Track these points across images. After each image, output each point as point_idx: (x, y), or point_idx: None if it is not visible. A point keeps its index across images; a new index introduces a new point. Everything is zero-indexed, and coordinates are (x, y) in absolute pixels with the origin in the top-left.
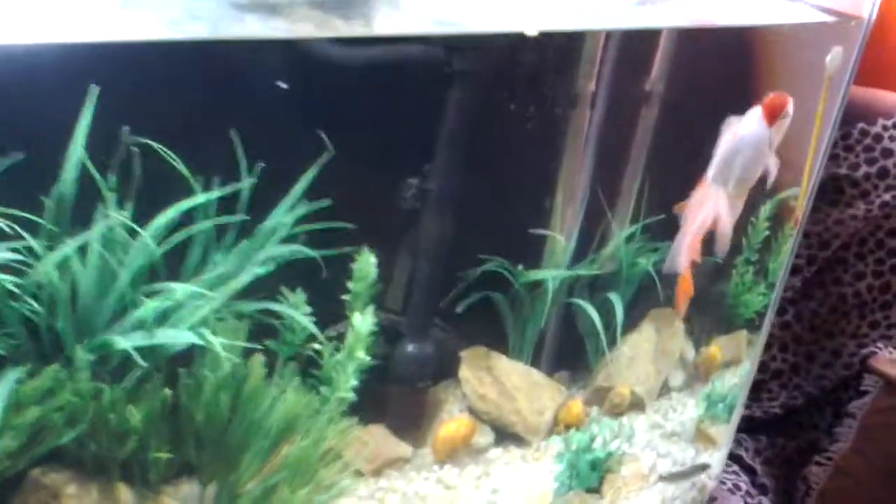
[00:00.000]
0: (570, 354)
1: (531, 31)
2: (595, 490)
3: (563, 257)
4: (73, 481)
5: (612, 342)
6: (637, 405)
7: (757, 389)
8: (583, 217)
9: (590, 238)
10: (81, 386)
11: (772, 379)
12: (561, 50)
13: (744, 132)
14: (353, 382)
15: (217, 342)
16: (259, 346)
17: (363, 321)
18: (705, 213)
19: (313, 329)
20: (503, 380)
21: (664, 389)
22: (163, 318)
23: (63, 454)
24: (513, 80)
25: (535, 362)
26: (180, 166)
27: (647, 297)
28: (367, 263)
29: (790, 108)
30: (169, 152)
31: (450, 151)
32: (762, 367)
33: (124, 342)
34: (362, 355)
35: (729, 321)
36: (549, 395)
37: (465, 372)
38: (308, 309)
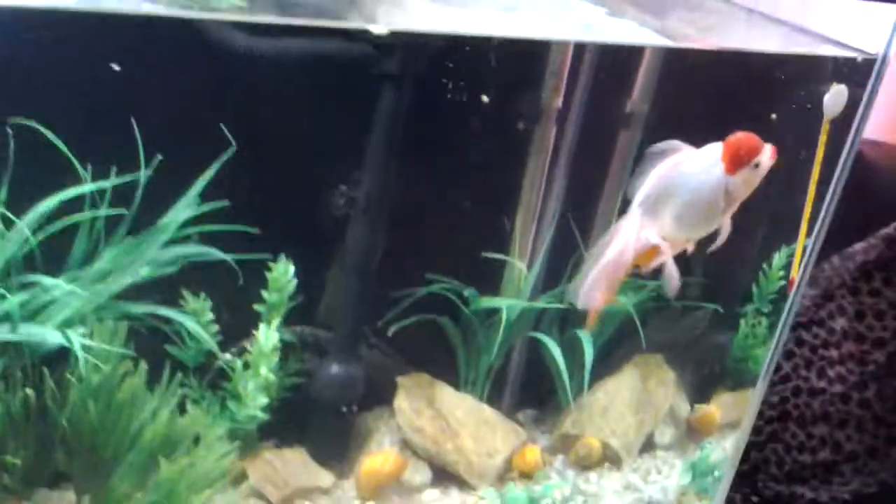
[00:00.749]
0: (536, 393)
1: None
2: None
3: (523, 286)
4: None
5: (582, 385)
6: (612, 460)
7: (828, 471)
8: (550, 244)
9: (558, 268)
10: None
11: (845, 461)
12: (520, 59)
13: (688, 169)
14: (263, 400)
15: (78, 343)
16: (132, 352)
17: (267, 335)
18: (622, 243)
19: (206, 339)
20: (446, 413)
21: (648, 446)
22: (34, 313)
23: None
24: (462, 85)
25: (491, 398)
26: (65, 151)
27: (630, 339)
28: (284, 273)
29: (766, 157)
30: (53, 135)
31: (381, 157)
32: (835, 447)
33: None
34: (265, 372)
35: (734, 376)
36: (502, 437)
37: (401, 401)
38: (210, 316)
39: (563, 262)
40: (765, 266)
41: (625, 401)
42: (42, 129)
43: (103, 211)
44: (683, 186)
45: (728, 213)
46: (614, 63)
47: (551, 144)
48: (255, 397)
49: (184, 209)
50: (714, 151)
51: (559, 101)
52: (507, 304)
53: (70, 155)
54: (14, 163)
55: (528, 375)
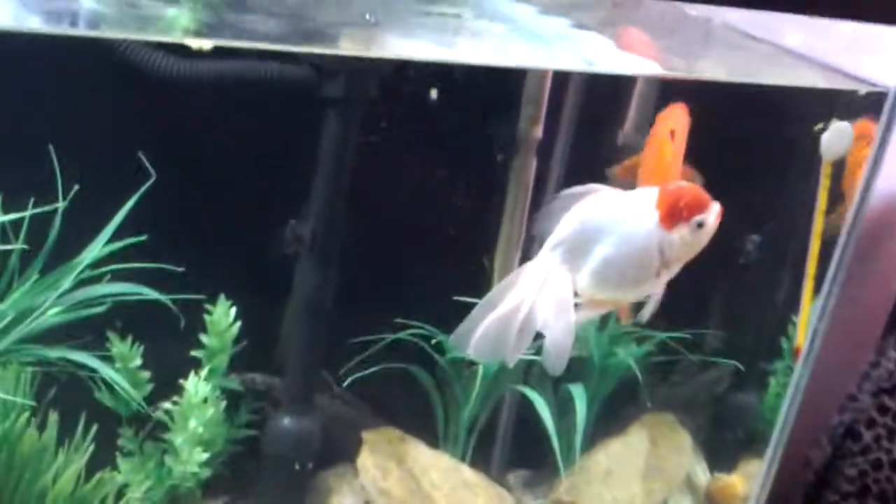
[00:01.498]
0: (529, 453)
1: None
2: None
3: None
4: None
5: (580, 446)
6: None
7: None
8: None
9: None
10: None
11: None
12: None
13: (616, 214)
14: (201, 456)
15: None
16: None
17: (196, 386)
18: (525, 293)
19: (124, 386)
20: (418, 474)
21: None
22: None
23: None
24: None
25: (476, 457)
26: None
27: (637, 396)
28: (224, 315)
29: (711, 216)
30: None
31: (333, 189)
32: None
33: None
34: (194, 426)
35: (764, 442)
36: (484, 501)
37: (365, 458)
38: (138, 362)
39: None
40: (793, 317)
41: (631, 465)
42: None
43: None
44: (609, 234)
45: (664, 278)
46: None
47: (530, 175)
48: (190, 452)
49: (101, 245)
50: (648, 197)
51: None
52: None
53: None
54: None
55: (519, 432)
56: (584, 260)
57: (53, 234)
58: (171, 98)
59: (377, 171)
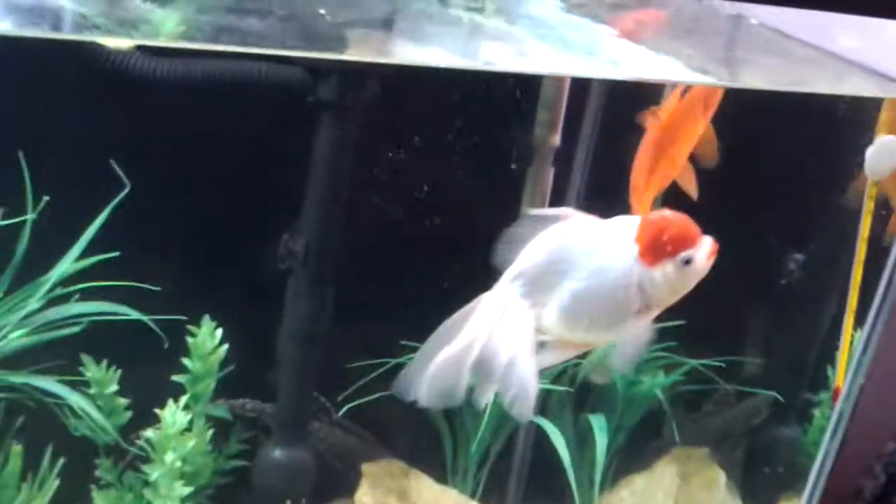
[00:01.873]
0: (548, 487)
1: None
2: None
3: None
4: None
5: (601, 481)
6: None
7: None
8: None
9: None
10: None
11: None
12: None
13: (588, 244)
14: (181, 490)
15: None
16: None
17: (173, 414)
18: (479, 329)
19: (93, 415)
20: None
21: None
22: None
23: None
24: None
25: (487, 493)
26: None
27: (665, 428)
28: (209, 336)
29: (702, 253)
30: None
31: (328, 201)
32: None
33: None
34: (170, 459)
35: (805, 478)
36: None
37: (364, 494)
38: (114, 388)
39: None
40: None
41: (657, 503)
42: None
43: None
44: (579, 267)
45: (645, 319)
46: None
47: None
48: (169, 486)
49: (72, 260)
50: (627, 227)
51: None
52: None
53: None
54: None
55: (535, 465)
56: (550, 295)
57: (22, 247)
58: (151, 103)
59: (379, 181)
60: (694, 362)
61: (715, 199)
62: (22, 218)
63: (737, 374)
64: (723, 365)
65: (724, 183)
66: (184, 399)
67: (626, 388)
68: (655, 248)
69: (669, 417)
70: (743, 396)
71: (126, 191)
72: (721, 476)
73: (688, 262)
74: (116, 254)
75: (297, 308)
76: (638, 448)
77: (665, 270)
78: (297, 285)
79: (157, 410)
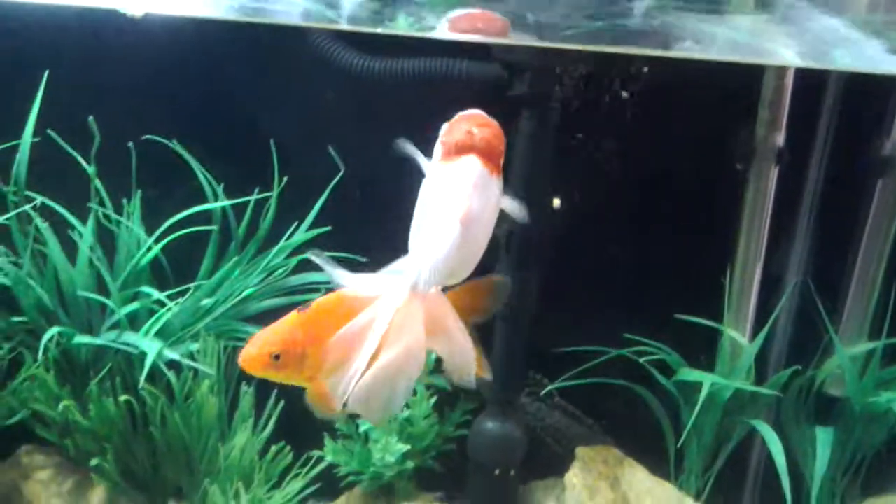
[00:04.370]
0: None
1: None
2: None
3: (740, 361)
4: (49, 468)
5: (817, 496)
6: None
7: None
8: (790, 315)
9: (801, 346)
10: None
11: None
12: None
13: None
14: (398, 447)
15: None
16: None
17: None
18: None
19: None
20: (631, 500)
21: None
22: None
23: (53, 444)
24: None
25: (713, 497)
26: (196, 167)
27: None
28: None
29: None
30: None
31: (532, 191)
32: None
33: (81, 338)
34: None
35: None
36: None
37: (574, 476)
38: None
39: (804, 338)
40: None
41: None
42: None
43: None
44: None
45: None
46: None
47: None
48: (385, 440)
49: (304, 230)
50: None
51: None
52: (711, 379)
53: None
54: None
55: (769, 476)
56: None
57: (268, 219)
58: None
59: (600, 176)
60: None
61: None
62: (267, 194)
63: None
64: None
65: None
66: None
67: (862, 400)
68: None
69: None
70: None
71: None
72: None
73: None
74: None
75: (513, 290)
76: (883, 468)
77: None
78: (501, 269)
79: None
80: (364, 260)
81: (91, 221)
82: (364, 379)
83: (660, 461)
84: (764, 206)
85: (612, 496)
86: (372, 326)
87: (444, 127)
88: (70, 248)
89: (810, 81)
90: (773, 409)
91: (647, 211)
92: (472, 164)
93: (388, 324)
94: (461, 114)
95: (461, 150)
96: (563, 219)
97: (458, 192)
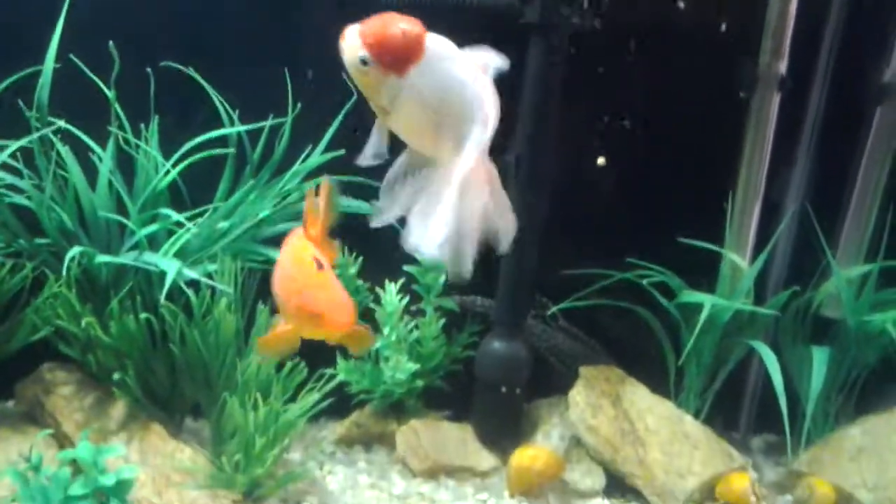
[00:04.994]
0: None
1: None
2: None
3: (741, 283)
4: (71, 384)
5: (811, 413)
6: None
7: None
8: (789, 239)
9: (799, 269)
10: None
11: None
12: None
13: None
14: (409, 366)
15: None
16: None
17: (389, 292)
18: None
19: None
20: (632, 417)
21: None
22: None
23: (75, 361)
24: None
25: (716, 415)
26: (213, 95)
27: None
28: None
29: None
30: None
31: (540, 117)
32: None
33: (102, 258)
34: (386, 332)
35: None
36: (703, 457)
37: (577, 393)
38: (353, 271)
39: (803, 260)
40: None
41: (892, 447)
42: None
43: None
44: None
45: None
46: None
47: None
48: (396, 360)
49: (317, 155)
50: None
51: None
52: (712, 301)
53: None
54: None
55: (766, 395)
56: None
57: (283, 144)
58: None
59: (606, 104)
60: None
61: None
62: (282, 119)
63: None
64: None
65: None
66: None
67: (858, 323)
68: None
69: None
70: None
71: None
72: None
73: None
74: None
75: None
76: (876, 388)
77: None
78: (511, 193)
79: (378, 290)
80: (378, 184)
81: (111, 145)
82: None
83: (660, 381)
84: (766, 133)
85: (614, 413)
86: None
87: None
88: (91, 173)
89: (813, 10)
90: (771, 331)
91: (652, 138)
92: None
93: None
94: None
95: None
96: (570, 145)
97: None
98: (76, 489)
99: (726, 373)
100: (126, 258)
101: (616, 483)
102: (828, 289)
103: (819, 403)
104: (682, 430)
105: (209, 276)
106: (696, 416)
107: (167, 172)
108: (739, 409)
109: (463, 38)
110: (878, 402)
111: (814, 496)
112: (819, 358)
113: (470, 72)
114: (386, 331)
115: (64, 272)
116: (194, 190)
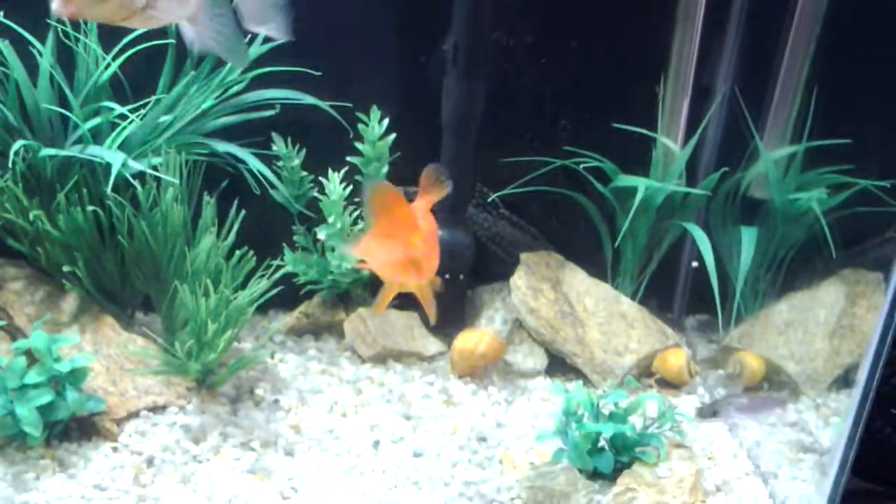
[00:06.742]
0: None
1: None
2: (602, 476)
3: (673, 167)
4: (22, 279)
5: (741, 290)
6: (788, 388)
7: None
8: (719, 123)
9: (728, 152)
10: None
11: None
12: None
13: None
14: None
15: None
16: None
17: (332, 181)
18: None
19: (276, 183)
20: (572, 299)
21: (843, 383)
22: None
23: (24, 256)
24: None
25: (651, 296)
26: None
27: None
28: (375, 123)
29: None
30: None
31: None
32: None
33: (47, 151)
34: (332, 220)
35: None
36: (640, 336)
37: (518, 278)
38: (296, 162)
39: (736, 143)
40: None
41: (817, 321)
42: None
43: None
44: None
45: None
46: None
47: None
48: (340, 248)
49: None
50: None
51: None
52: (646, 183)
53: None
54: None
55: (698, 276)
56: None
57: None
58: None
59: None
60: (865, 183)
61: None
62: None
63: None
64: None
65: None
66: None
67: (784, 203)
68: None
69: (828, 238)
70: None
71: None
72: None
73: None
74: (293, 40)
75: (450, 102)
76: (802, 265)
77: None
78: (449, 81)
79: (322, 179)
80: (318, 74)
81: (50, 39)
82: None
83: (598, 265)
84: (695, 18)
85: (554, 296)
86: None
87: None
88: (31, 69)
89: None
90: (703, 213)
91: (584, 24)
92: None
93: None
94: None
95: None
96: (505, 31)
97: None
98: (31, 377)
99: (661, 255)
100: (71, 151)
101: (557, 363)
102: (756, 170)
103: (748, 282)
104: (619, 311)
105: (154, 168)
106: (633, 297)
107: (108, 66)
108: (673, 290)
109: None
110: (804, 278)
111: (745, 369)
112: (748, 238)
113: None
114: (331, 219)
115: (10, 166)
116: (136, 83)
